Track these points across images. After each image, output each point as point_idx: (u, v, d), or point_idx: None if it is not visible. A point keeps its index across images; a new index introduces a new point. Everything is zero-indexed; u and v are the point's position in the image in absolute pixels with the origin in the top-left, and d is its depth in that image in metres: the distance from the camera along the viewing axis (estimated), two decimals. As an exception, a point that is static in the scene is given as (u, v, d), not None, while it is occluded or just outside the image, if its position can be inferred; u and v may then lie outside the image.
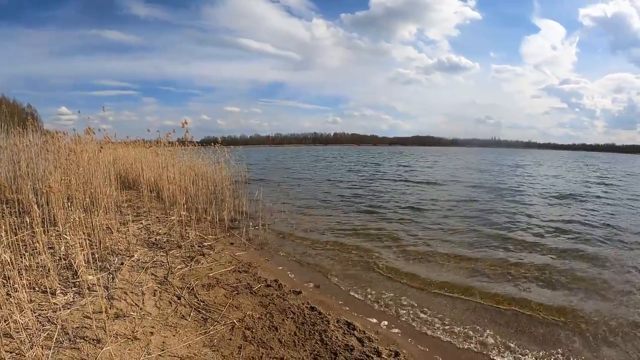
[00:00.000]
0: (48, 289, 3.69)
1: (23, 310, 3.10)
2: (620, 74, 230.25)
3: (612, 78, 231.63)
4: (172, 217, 7.22)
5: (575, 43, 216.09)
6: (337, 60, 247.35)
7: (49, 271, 3.94)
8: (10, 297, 3.20)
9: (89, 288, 3.86)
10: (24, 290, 3.31)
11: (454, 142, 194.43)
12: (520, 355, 3.51)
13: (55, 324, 3.16)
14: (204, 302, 4.10)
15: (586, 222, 8.99)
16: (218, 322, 3.67)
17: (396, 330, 3.95)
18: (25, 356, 2.68)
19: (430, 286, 5.07)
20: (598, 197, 13.68)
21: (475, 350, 3.62)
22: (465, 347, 3.66)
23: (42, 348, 2.79)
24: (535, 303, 4.50)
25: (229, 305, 4.05)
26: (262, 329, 3.60)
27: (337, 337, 3.53)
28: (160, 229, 6.78)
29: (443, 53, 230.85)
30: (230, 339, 3.37)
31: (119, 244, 5.49)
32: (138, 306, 3.81)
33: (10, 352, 2.73)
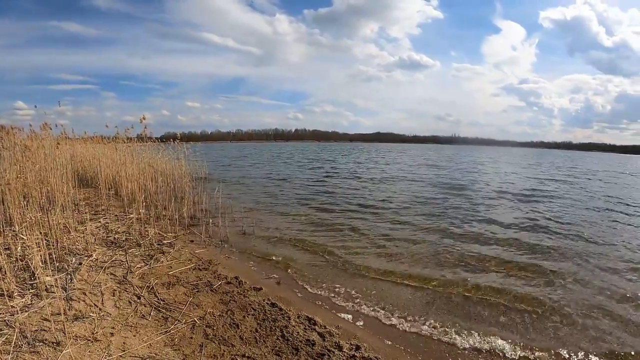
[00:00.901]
0: (5, 292, 3.64)
1: (-21, 314, 3.07)
2: (577, 75, 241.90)
3: (570, 79, 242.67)
4: (131, 215, 7.15)
5: (534, 44, 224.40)
6: (298, 56, 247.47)
7: (5, 273, 3.88)
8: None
9: (46, 289, 3.83)
10: (-21, 294, 3.28)
11: (415, 139, 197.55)
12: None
13: (13, 327, 3.14)
14: (164, 301, 4.13)
15: (546, 227, 8.60)
16: (179, 320, 3.72)
17: (357, 324, 4.09)
18: (-17, 361, 2.67)
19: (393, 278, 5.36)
20: (559, 196, 13.62)
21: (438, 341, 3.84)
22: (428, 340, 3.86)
23: (1, 353, 2.78)
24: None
25: (189, 304, 4.10)
26: (223, 326, 3.67)
27: (298, 332, 3.63)
28: (119, 227, 6.71)
29: (404, 51, 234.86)
30: (192, 338, 3.42)
31: (77, 243, 5.42)
32: (97, 307, 3.81)
33: (-33, 357, 2.72)
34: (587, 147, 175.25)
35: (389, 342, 3.77)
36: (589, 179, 21.48)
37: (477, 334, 3.96)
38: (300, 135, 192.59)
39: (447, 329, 4.04)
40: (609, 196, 14.38)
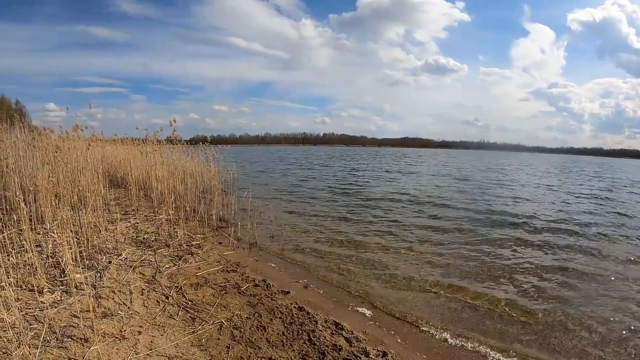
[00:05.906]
0: (35, 288, 3.66)
1: (10, 309, 3.09)
2: (607, 78, 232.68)
3: (600, 82, 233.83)
4: (161, 216, 7.18)
5: (563, 47, 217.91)
6: (324, 60, 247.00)
7: (36, 269, 3.92)
8: (-3, 295, 3.18)
9: (76, 287, 3.84)
10: (10, 289, 3.30)
11: (443, 144, 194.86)
12: None
13: (42, 322, 3.15)
14: (192, 301, 4.11)
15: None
16: (206, 321, 3.68)
17: (384, 330, 3.98)
18: (12, 355, 2.67)
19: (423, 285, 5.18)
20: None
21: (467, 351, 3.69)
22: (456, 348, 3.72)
23: (30, 347, 2.78)
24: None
25: (217, 305, 4.06)
26: (250, 328, 3.61)
27: (325, 337, 3.55)
28: (148, 227, 6.76)
29: (431, 55, 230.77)
30: (219, 339, 3.38)
31: (106, 242, 5.48)
32: (126, 305, 3.80)
33: (-3, 351, 2.72)
34: (617, 153, 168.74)
35: (415, 350, 3.67)
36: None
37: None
38: (328, 140, 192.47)
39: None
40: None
